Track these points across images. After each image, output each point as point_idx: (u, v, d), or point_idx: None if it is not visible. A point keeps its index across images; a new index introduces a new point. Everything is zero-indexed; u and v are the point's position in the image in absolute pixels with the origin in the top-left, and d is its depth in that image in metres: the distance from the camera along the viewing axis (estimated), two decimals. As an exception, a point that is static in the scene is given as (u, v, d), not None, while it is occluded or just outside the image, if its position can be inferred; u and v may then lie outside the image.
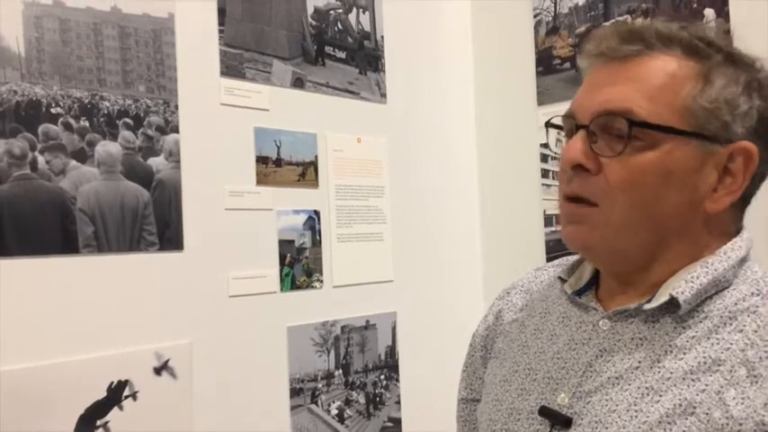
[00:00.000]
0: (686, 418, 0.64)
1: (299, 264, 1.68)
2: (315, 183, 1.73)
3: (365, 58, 1.87)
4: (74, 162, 1.32)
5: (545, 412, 0.74)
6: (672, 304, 0.70)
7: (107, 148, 1.37)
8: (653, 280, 0.74)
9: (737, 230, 0.76)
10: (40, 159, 1.28)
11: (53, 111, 1.30)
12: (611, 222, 0.72)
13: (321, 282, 1.72)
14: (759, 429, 0.61)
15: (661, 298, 0.71)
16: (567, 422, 0.71)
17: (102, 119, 1.36)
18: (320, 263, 1.73)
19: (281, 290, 1.65)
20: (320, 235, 1.73)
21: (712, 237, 0.73)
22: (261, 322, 1.60)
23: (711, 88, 0.70)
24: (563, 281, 0.84)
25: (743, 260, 0.73)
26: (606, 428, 0.68)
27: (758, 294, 0.70)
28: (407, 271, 1.91)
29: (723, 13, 1.59)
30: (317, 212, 1.73)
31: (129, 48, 1.42)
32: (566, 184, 0.75)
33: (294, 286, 1.67)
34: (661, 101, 0.70)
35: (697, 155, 0.70)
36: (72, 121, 1.32)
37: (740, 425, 0.62)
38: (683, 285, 0.70)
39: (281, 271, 1.64)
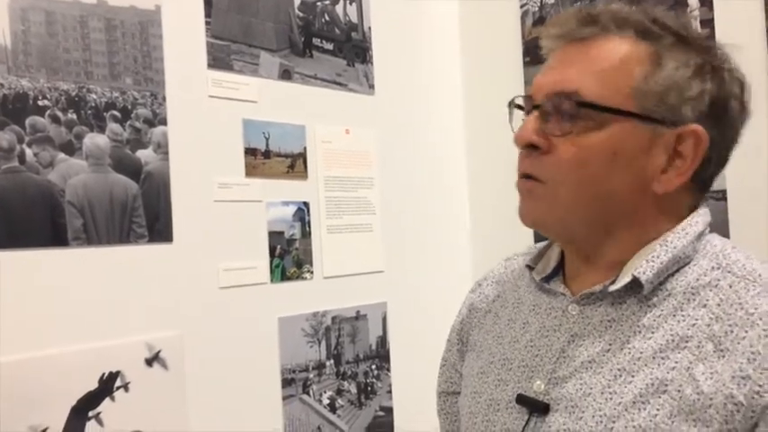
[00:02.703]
0: (659, 397, 0.66)
1: (289, 255, 1.69)
2: (304, 174, 1.74)
3: (353, 49, 1.88)
4: (62, 155, 1.32)
5: (522, 400, 0.75)
6: (635, 284, 0.71)
7: (95, 140, 1.37)
8: (609, 258, 0.75)
9: (688, 210, 0.76)
10: (28, 152, 1.28)
11: (40, 103, 1.30)
12: (559, 198, 0.73)
13: (311, 273, 1.73)
14: (728, 402, 0.63)
15: (624, 279, 0.72)
16: (545, 408, 0.73)
17: (89, 111, 1.36)
18: (310, 254, 1.73)
19: (272, 281, 1.65)
20: (310, 226, 1.74)
21: (665, 218, 0.74)
22: (252, 313, 1.60)
23: (662, 71, 0.70)
24: (531, 268, 0.85)
25: (701, 235, 0.74)
26: (583, 412, 0.70)
27: (718, 268, 0.71)
28: (397, 261, 1.92)
29: (707, 1, 1.60)
30: (306, 204, 1.73)
31: (115, 40, 1.42)
32: (520, 163, 0.77)
33: (284, 277, 1.68)
34: (610, 82, 0.71)
35: (645, 136, 0.71)
36: (59, 113, 1.32)
37: (710, 399, 0.63)
38: (644, 265, 0.71)
39: (271, 262, 1.65)
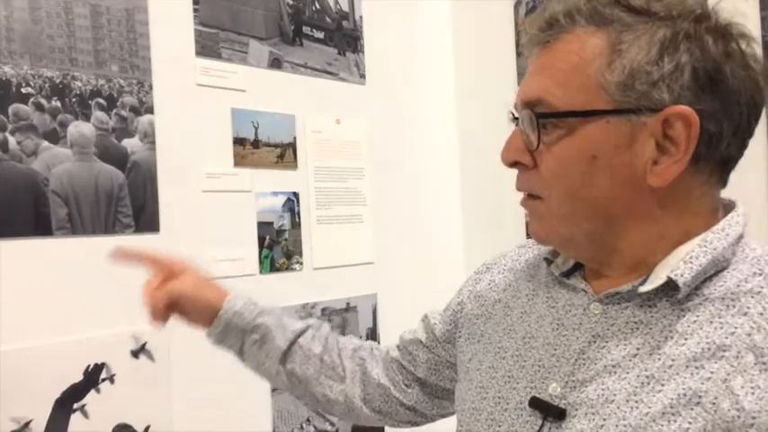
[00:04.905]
0: (691, 409, 0.60)
1: (278, 246, 1.67)
2: (293, 164, 1.72)
3: (344, 38, 1.85)
4: (46, 143, 1.30)
5: (536, 404, 0.70)
6: (668, 287, 0.65)
7: (80, 128, 1.34)
8: (628, 261, 0.70)
9: (715, 205, 0.70)
10: (11, 140, 1.25)
11: (23, 91, 1.28)
12: (555, 213, 0.70)
13: (301, 264, 1.72)
14: None
15: (657, 280, 0.66)
16: (561, 414, 0.67)
17: (74, 99, 1.34)
18: (300, 245, 1.72)
19: (261, 272, 1.64)
20: (299, 217, 1.72)
21: (681, 210, 0.68)
22: (240, 305, 1.58)
23: (621, 57, 0.63)
24: (549, 261, 0.79)
25: (740, 237, 0.68)
26: (604, 420, 0.64)
27: (760, 274, 0.65)
28: (388, 253, 1.91)
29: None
30: (295, 194, 1.72)
31: (101, 27, 1.39)
32: (516, 179, 0.74)
33: (274, 268, 1.66)
34: (571, 84, 0.65)
35: (623, 131, 0.64)
36: (43, 101, 1.30)
37: (753, 418, 0.58)
38: (681, 267, 0.64)
39: (260, 253, 1.63)
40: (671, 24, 0.63)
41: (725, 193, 0.72)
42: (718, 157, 0.66)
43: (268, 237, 1.65)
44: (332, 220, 1.79)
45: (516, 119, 0.72)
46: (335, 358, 0.99)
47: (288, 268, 1.69)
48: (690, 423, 0.60)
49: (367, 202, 1.87)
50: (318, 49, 1.79)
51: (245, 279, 1.60)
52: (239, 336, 0.98)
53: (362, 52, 1.90)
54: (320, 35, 1.80)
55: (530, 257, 0.86)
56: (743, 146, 0.68)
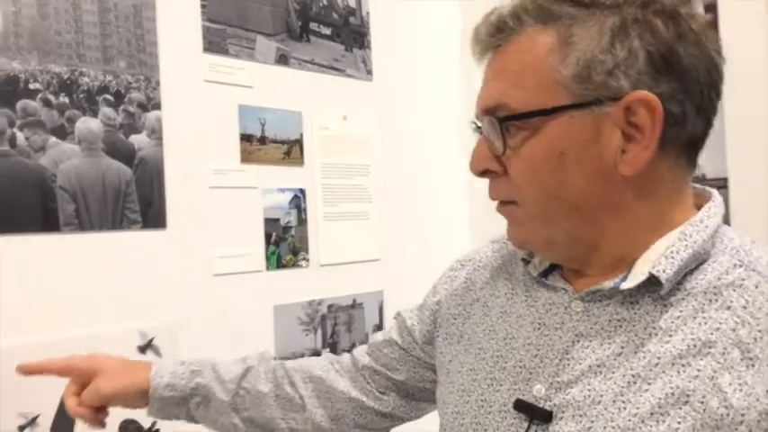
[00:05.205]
0: (680, 408, 0.60)
1: (284, 242, 1.67)
2: (300, 161, 1.72)
3: (351, 34, 1.85)
4: (53, 139, 1.30)
5: (521, 406, 0.68)
6: (650, 282, 0.65)
7: (87, 124, 1.34)
8: (609, 259, 0.69)
9: (689, 191, 0.70)
10: (19, 136, 1.25)
11: (31, 86, 1.28)
12: (531, 215, 0.69)
13: (307, 260, 1.72)
14: (763, 419, 0.57)
15: (639, 276, 0.65)
16: (548, 416, 0.66)
17: (81, 95, 1.34)
18: (306, 242, 1.72)
19: (267, 268, 1.64)
20: (306, 213, 1.72)
21: (656, 201, 0.67)
22: (247, 301, 1.59)
23: (573, 51, 0.63)
24: (526, 262, 0.77)
25: (718, 227, 0.67)
26: (592, 422, 0.63)
27: (741, 266, 0.64)
28: (394, 250, 1.91)
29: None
30: (302, 191, 1.72)
31: (108, 23, 1.39)
32: (488, 188, 0.73)
33: (280, 265, 1.66)
34: (528, 84, 0.65)
35: (587, 124, 0.64)
36: (51, 96, 1.30)
37: (742, 415, 0.58)
38: (663, 262, 0.64)
39: (266, 249, 1.63)
40: (618, 12, 0.63)
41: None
42: (684, 137, 0.65)
43: (274, 233, 1.65)
44: (338, 216, 1.79)
45: (479, 128, 0.71)
46: (289, 390, 0.96)
47: (294, 265, 1.69)
48: (679, 423, 0.59)
49: (373, 198, 1.87)
50: (325, 46, 1.79)
51: (252, 275, 1.60)
52: (181, 404, 0.95)
53: (369, 48, 1.89)
54: (327, 31, 1.79)
55: (505, 254, 0.85)
56: (708, 124, 0.67)
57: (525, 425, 0.68)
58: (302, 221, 1.71)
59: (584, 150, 0.64)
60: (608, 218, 0.67)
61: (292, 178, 1.70)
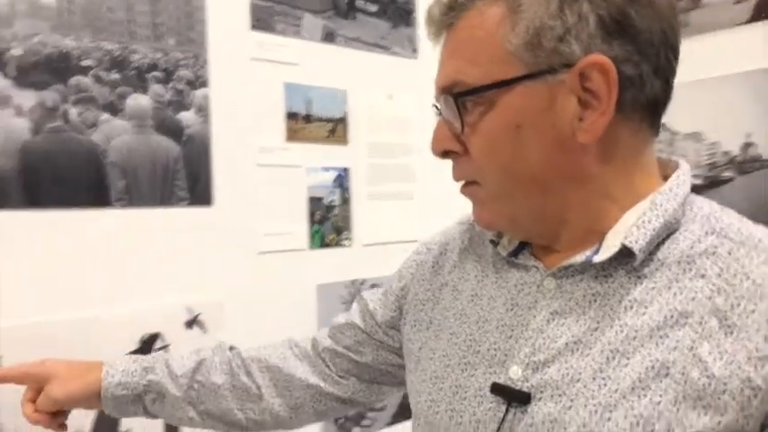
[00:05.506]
0: (661, 381, 0.59)
1: (328, 221, 1.67)
2: (344, 140, 1.71)
3: (397, 12, 1.83)
4: (105, 115, 1.31)
5: (498, 389, 0.66)
6: (622, 254, 0.63)
7: (138, 101, 1.36)
8: (578, 231, 0.67)
9: (653, 157, 0.68)
10: (72, 111, 1.27)
11: (83, 63, 1.29)
12: (494, 194, 0.68)
13: (350, 240, 1.72)
14: (746, 387, 0.56)
15: (611, 249, 0.64)
16: (526, 398, 0.64)
17: (132, 72, 1.35)
18: (349, 221, 1.72)
19: (311, 247, 1.64)
20: (349, 192, 1.72)
21: (620, 168, 0.65)
22: (290, 279, 1.60)
23: (522, 19, 0.61)
24: (495, 243, 0.75)
25: (687, 196, 0.66)
26: (572, 400, 0.62)
27: (712, 233, 0.63)
28: (437, 230, 1.89)
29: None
30: (346, 170, 1.71)
31: (159, 0, 1.40)
32: (452, 169, 0.72)
33: (323, 244, 1.67)
34: (481, 59, 0.64)
35: (541, 93, 0.62)
36: (103, 73, 1.31)
37: (724, 384, 0.57)
38: (634, 232, 0.62)
39: (310, 228, 1.64)
40: None
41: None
42: (644, 100, 0.64)
43: (318, 212, 1.66)
44: (382, 196, 1.78)
45: (440, 110, 0.70)
46: (245, 380, 0.95)
47: (337, 244, 1.69)
48: (661, 396, 0.58)
49: (417, 178, 1.86)
50: (371, 23, 1.77)
51: (295, 254, 1.61)
52: (137, 402, 0.95)
53: (415, 26, 1.87)
54: (374, 8, 1.77)
55: (473, 235, 0.83)
56: (668, 86, 0.65)
57: (503, 408, 0.66)
58: (345, 200, 1.71)
59: (540, 121, 0.63)
60: (571, 189, 0.65)
61: (336, 157, 1.70)
